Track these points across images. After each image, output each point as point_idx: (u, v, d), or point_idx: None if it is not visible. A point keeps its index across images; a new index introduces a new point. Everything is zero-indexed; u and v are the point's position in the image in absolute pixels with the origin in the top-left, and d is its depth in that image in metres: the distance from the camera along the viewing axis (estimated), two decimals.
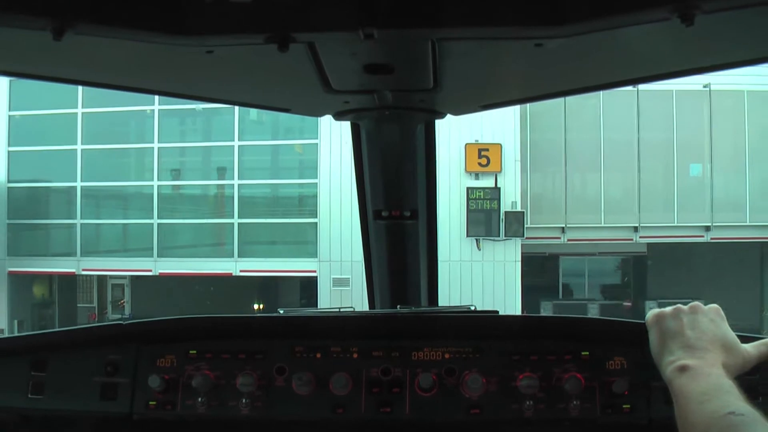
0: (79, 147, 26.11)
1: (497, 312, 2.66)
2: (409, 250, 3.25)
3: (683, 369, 1.83)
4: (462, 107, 2.97)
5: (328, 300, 24.84)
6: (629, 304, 32.59)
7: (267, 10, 1.85)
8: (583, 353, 2.45)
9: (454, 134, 23.87)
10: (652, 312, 2.09)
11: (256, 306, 32.29)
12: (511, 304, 25.12)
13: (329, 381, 2.44)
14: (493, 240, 24.95)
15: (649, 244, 28.87)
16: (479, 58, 2.24)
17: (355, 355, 2.50)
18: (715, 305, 2.07)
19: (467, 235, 24.58)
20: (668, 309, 2.05)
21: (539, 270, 30.56)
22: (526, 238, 25.26)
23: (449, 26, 1.89)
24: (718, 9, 1.78)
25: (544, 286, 31.58)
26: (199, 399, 2.47)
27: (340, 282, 24.56)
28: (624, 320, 2.49)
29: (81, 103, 25.89)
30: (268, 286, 31.72)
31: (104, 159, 27.17)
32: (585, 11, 1.81)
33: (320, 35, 1.95)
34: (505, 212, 24.48)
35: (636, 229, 26.39)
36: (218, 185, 26.98)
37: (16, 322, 26.28)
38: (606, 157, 26.20)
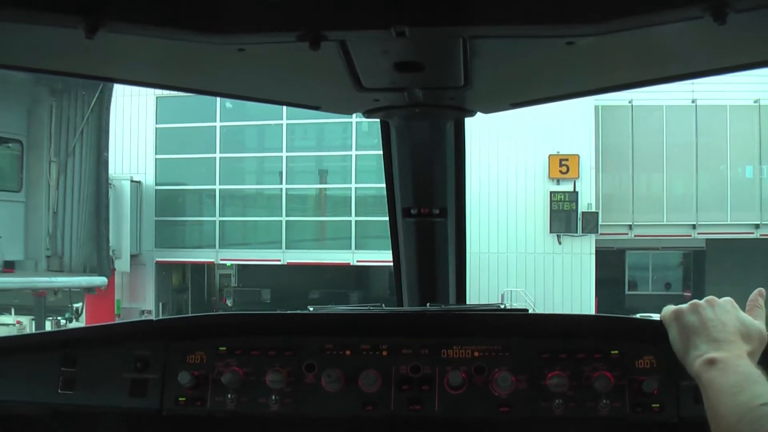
0: (217, 155, 33.67)
1: (527, 310, 2.81)
2: (438, 247, 3.50)
3: (711, 362, 1.94)
4: (492, 105, 3.20)
5: None
6: (689, 294, 37.51)
7: (299, 9, 2.01)
8: (612, 352, 2.56)
9: (539, 146, 30.63)
10: (668, 309, 2.23)
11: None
12: (587, 290, 31.75)
13: (359, 378, 2.56)
14: (572, 236, 31.44)
15: (707, 240, 34.87)
16: (510, 56, 2.42)
17: (384, 353, 2.62)
18: (728, 297, 2.20)
19: (550, 232, 31.24)
20: (685, 305, 2.19)
21: (608, 264, 36.05)
22: (600, 234, 31.62)
23: (481, 24, 2.04)
24: (751, 7, 1.88)
25: (611, 278, 37.25)
26: (229, 395, 2.61)
27: None
28: (653, 319, 2.52)
29: (219, 117, 33.47)
30: (360, 276, 38.36)
31: (231, 165, 34.73)
32: (616, 9, 1.96)
33: (352, 33, 2.11)
34: (582, 212, 30.96)
35: (694, 226, 32.53)
36: (321, 187, 34.35)
37: (161, 304, 33.64)
38: (668, 163, 32.34)
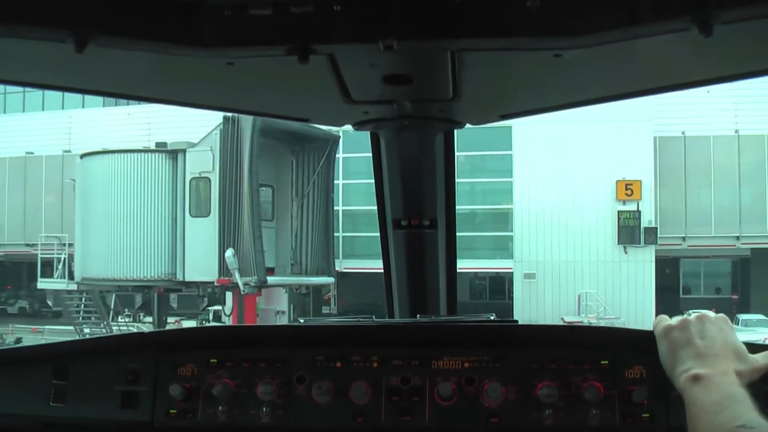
0: (340, 182, 42.49)
1: (516, 321, 2.93)
2: (429, 259, 3.69)
3: (696, 378, 2.05)
4: (481, 117, 3.34)
5: (520, 288, 41.85)
6: (737, 296, 47.32)
7: (287, 22, 2.10)
8: (602, 362, 2.67)
9: (607, 173, 39.71)
10: (659, 325, 2.32)
11: None
12: (648, 292, 40.55)
13: (349, 389, 2.68)
14: (635, 246, 40.31)
15: (752, 249, 43.25)
16: (498, 68, 2.55)
17: (375, 364, 2.75)
18: (721, 314, 2.30)
19: (618, 243, 40.33)
20: (675, 320, 2.28)
21: (665, 271, 44.68)
22: (659, 245, 40.51)
23: (468, 37, 2.15)
24: (737, 19, 2.00)
25: (668, 283, 45.75)
26: (220, 407, 2.74)
27: (528, 276, 41.40)
28: (643, 329, 2.63)
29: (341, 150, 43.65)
30: None
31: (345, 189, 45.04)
32: (603, 22, 2.06)
33: (340, 47, 2.23)
34: (644, 227, 39.91)
35: (738, 237, 41.31)
36: None
37: (291, 305, 42.45)
38: (715, 184, 41.10)
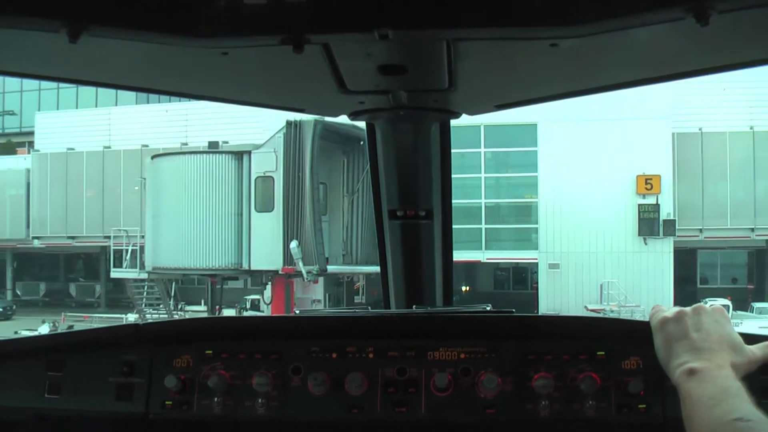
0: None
1: (512, 312, 2.97)
2: (424, 250, 3.75)
3: (691, 372, 2.04)
4: (477, 107, 3.38)
5: (545, 277, 44.24)
6: (752, 286, 49.48)
7: (282, 12, 2.14)
8: (598, 353, 2.72)
9: (628, 168, 41.83)
10: (656, 317, 2.29)
11: (463, 288, 49.64)
12: (667, 282, 42.61)
13: (345, 381, 2.75)
14: (655, 238, 42.40)
15: (767, 240, 45.30)
16: (494, 58, 2.58)
17: (370, 356, 2.81)
18: (718, 306, 2.28)
19: (638, 235, 42.53)
20: (671, 312, 2.26)
21: (683, 262, 46.45)
22: (677, 236, 42.60)
23: (464, 27, 2.18)
24: (733, 8, 2.02)
25: (686, 273, 47.95)
26: (215, 399, 2.80)
27: (553, 266, 43.84)
28: (639, 320, 2.71)
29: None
30: (469, 272, 49.68)
31: None
32: (599, 11, 2.08)
33: (335, 36, 2.26)
34: (663, 220, 42.07)
35: (753, 229, 43.44)
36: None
37: (327, 294, 40.94)
38: (731, 177, 43.13)
